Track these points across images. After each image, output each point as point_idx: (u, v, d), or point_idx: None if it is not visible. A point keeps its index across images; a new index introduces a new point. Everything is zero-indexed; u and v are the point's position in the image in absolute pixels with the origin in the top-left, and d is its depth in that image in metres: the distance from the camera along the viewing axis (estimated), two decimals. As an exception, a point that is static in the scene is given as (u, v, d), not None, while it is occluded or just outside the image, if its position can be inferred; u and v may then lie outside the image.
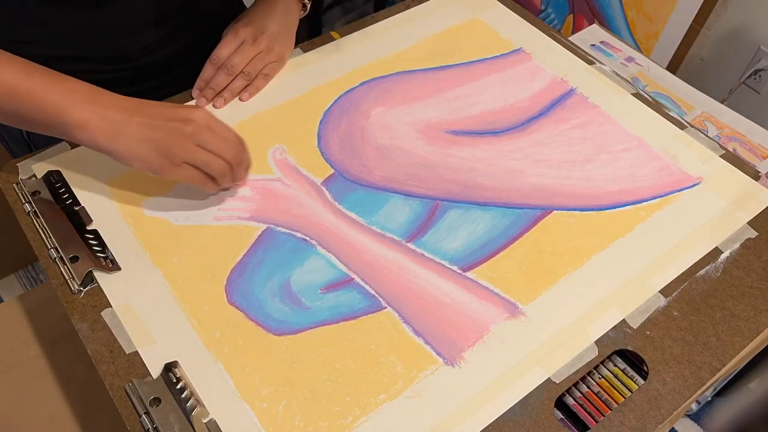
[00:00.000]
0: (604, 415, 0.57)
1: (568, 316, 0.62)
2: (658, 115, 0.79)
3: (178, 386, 0.56)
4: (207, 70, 0.78)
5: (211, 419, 0.55)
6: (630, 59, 1.10)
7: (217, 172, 0.63)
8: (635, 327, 0.61)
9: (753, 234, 0.68)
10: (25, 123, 0.61)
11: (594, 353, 0.59)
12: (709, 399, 1.30)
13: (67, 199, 0.68)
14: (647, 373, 0.58)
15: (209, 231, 0.67)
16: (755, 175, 0.73)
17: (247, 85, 0.79)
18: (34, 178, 0.70)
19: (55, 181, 0.70)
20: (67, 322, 0.61)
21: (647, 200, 0.71)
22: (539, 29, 0.89)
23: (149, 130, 0.60)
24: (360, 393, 0.57)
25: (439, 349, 0.59)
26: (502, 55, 0.86)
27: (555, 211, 0.70)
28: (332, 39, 0.87)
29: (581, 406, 0.58)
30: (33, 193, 0.68)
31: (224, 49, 0.78)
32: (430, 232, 0.68)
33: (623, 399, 0.57)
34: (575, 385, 0.59)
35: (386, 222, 0.69)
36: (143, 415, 0.54)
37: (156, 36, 0.80)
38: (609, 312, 0.62)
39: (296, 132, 0.77)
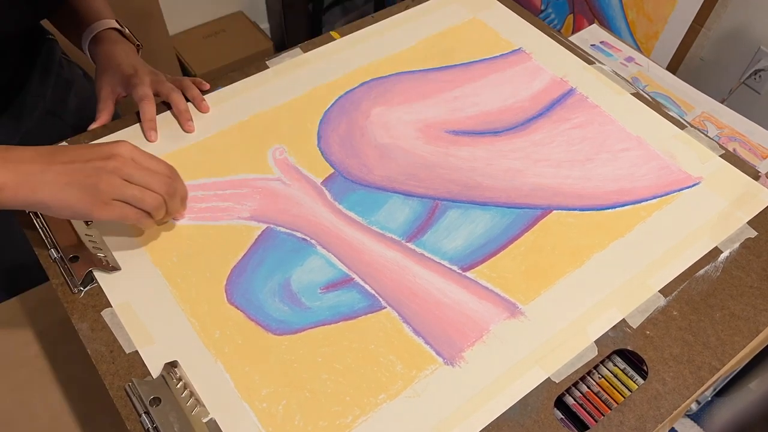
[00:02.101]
0: (603, 415, 0.57)
1: (568, 315, 0.62)
2: (657, 114, 0.79)
3: (178, 386, 0.56)
4: (149, 110, 0.76)
5: (210, 419, 0.55)
6: (630, 59, 1.10)
7: (151, 206, 0.60)
8: (635, 327, 0.61)
9: (753, 234, 0.68)
10: None
11: (594, 353, 0.59)
12: (709, 399, 1.30)
13: (67, 199, 0.68)
14: (647, 373, 0.58)
15: (209, 231, 0.67)
16: (755, 175, 0.73)
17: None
18: (34, 178, 0.70)
19: (55, 181, 0.70)
20: (67, 322, 0.61)
21: (647, 200, 0.71)
22: (539, 29, 0.89)
23: (70, 173, 0.57)
24: (360, 393, 0.57)
25: (438, 349, 0.59)
26: (501, 55, 0.86)
27: (555, 211, 0.70)
28: (332, 39, 0.87)
29: (581, 405, 0.58)
30: (33, 193, 0.68)
31: (148, 103, 0.76)
32: (429, 232, 0.68)
33: (623, 399, 0.57)
34: (575, 384, 0.59)
35: (386, 222, 0.69)
36: (143, 415, 0.54)
37: None
38: (609, 312, 0.62)
39: (296, 132, 0.77)
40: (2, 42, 0.76)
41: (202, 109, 0.79)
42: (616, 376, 0.60)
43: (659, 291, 0.64)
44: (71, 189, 0.56)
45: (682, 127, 0.78)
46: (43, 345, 0.74)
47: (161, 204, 0.61)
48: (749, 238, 0.68)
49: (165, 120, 0.77)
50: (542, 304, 0.63)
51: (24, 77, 0.83)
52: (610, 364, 0.60)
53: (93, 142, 0.63)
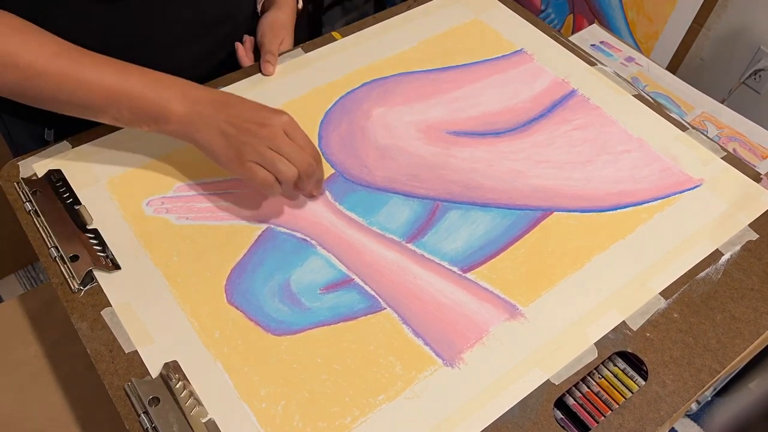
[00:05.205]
0: (604, 416, 0.57)
1: (568, 317, 0.62)
2: (659, 116, 0.79)
3: (177, 386, 0.56)
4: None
5: (210, 419, 0.55)
6: (630, 59, 1.10)
7: (284, 175, 0.62)
8: (635, 329, 0.61)
9: (754, 236, 0.68)
10: (114, 120, 0.65)
11: (593, 355, 0.59)
12: (709, 399, 1.30)
13: (68, 198, 0.68)
14: (647, 373, 0.58)
15: (209, 231, 0.67)
16: (756, 177, 0.73)
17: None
18: (35, 177, 0.70)
19: (55, 180, 0.70)
20: (67, 322, 0.61)
21: (648, 202, 0.71)
22: (541, 30, 0.89)
23: (229, 126, 0.62)
24: (359, 394, 0.57)
25: (438, 350, 0.59)
26: (503, 56, 0.86)
27: (555, 213, 0.70)
28: (333, 39, 0.87)
29: (581, 406, 0.58)
30: (34, 192, 0.68)
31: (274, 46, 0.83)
32: (430, 233, 0.68)
33: (623, 399, 0.57)
34: (575, 385, 0.59)
35: (386, 222, 0.69)
36: (142, 415, 0.54)
37: (196, 49, 0.81)
38: (609, 314, 0.62)
39: (297, 132, 0.77)
40: None
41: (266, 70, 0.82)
42: (616, 376, 0.60)
43: (660, 293, 0.64)
44: (222, 140, 0.63)
45: (683, 129, 0.78)
46: (43, 345, 0.74)
47: (294, 176, 0.63)
48: (750, 240, 0.68)
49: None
50: (542, 306, 0.63)
51: None
52: (610, 365, 0.60)
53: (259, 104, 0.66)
